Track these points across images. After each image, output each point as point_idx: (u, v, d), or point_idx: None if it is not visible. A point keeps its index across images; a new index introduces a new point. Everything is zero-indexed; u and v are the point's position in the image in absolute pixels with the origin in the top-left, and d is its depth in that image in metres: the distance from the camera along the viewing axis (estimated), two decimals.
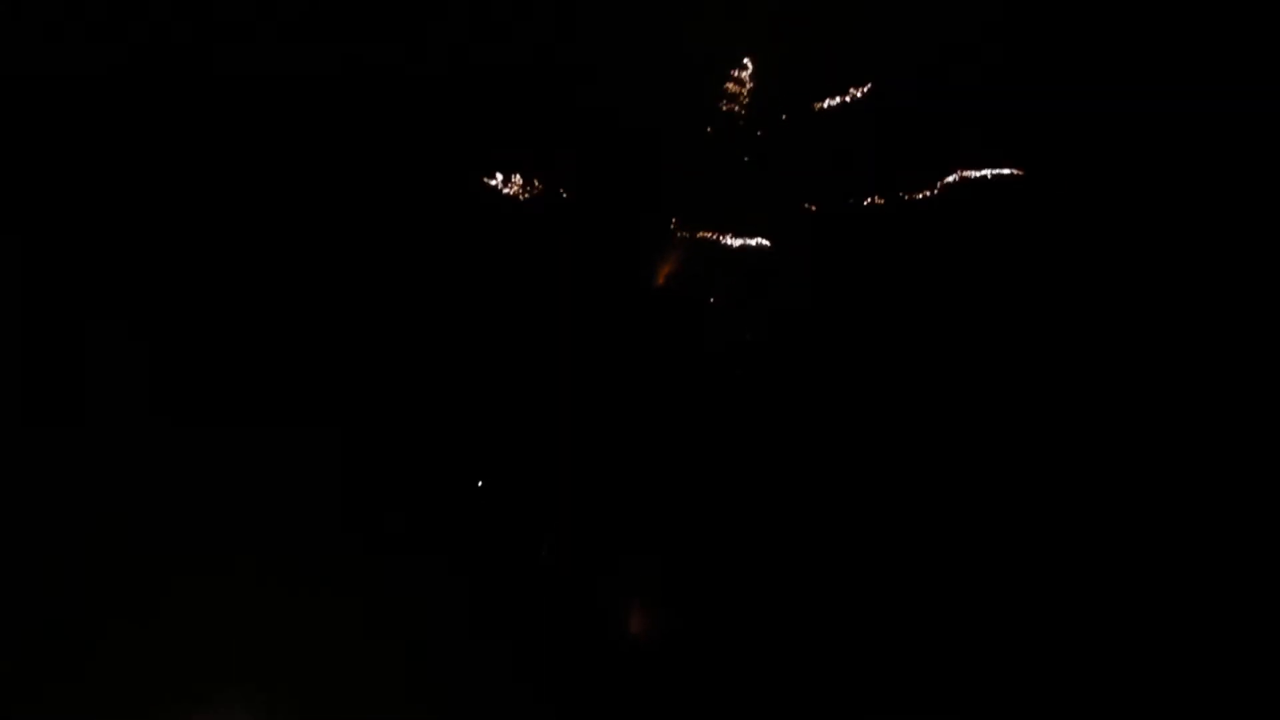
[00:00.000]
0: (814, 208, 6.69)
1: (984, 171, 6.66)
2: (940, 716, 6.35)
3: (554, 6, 6.66)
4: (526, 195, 6.75)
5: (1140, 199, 7.12)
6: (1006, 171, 6.65)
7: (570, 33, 6.68)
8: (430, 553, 6.63)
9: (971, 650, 6.46)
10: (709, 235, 6.76)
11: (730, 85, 6.59)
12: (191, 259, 6.75)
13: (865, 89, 6.57)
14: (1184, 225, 7.11)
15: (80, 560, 6.20)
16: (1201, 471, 6.91)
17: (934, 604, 6.66)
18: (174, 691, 6.01)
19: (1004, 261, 6.93)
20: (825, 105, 6.61)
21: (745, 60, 6.57)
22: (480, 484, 6.55)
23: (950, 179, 6.69)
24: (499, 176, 6.72)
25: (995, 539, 6.77)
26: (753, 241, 6.58)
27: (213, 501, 6.51)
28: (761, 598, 6.74)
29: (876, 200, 6.73)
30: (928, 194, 6.73)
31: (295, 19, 6.62)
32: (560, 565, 6.50)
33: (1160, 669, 6.36)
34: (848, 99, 6.61)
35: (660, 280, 6.70)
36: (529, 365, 6.92)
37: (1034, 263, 7.01)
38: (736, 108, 6.51)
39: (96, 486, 6.32)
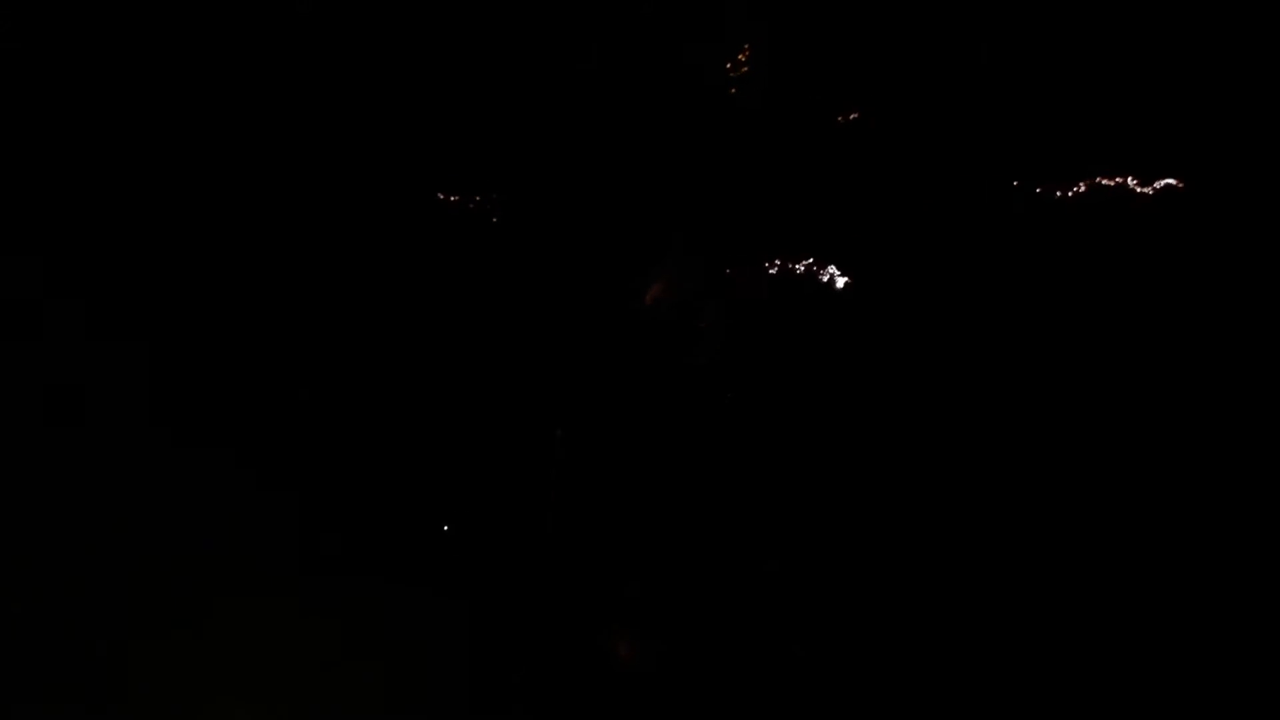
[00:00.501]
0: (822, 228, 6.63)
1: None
2: None
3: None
4: (499, 209, 6.69)
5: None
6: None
7: (559, 28, 6.64)
8: (420, 567, 6.64)
9: (971, 685, 6.42)
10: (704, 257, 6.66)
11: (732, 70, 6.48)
12: (171, 263, 6.74)
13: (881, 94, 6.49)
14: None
15: (72, 565, 6.24)
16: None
17: (939, 629, 6.57)
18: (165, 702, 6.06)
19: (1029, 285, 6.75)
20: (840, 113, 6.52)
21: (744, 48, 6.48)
22: (451, 515, 6.54)
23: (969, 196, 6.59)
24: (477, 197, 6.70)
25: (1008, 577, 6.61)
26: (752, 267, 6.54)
27: (195, 510, 6.52)
28: (757, 619, 6.69)
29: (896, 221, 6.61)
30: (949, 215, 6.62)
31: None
32: (550, 580, 6.51)
33: (1162, 670, 6.35)
34: (858, 113, 6.52)
35: (648, 300, 6.63)
36: (512, 379, 6.87)
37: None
38: (741, 93, 6.44)
39: (85, 492, 6.34)
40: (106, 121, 6.59)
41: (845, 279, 6.78)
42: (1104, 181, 6.77)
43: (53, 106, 6.53)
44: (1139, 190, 6.77)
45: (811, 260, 6.76)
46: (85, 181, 6.58)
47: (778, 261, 6.74)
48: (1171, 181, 6.71)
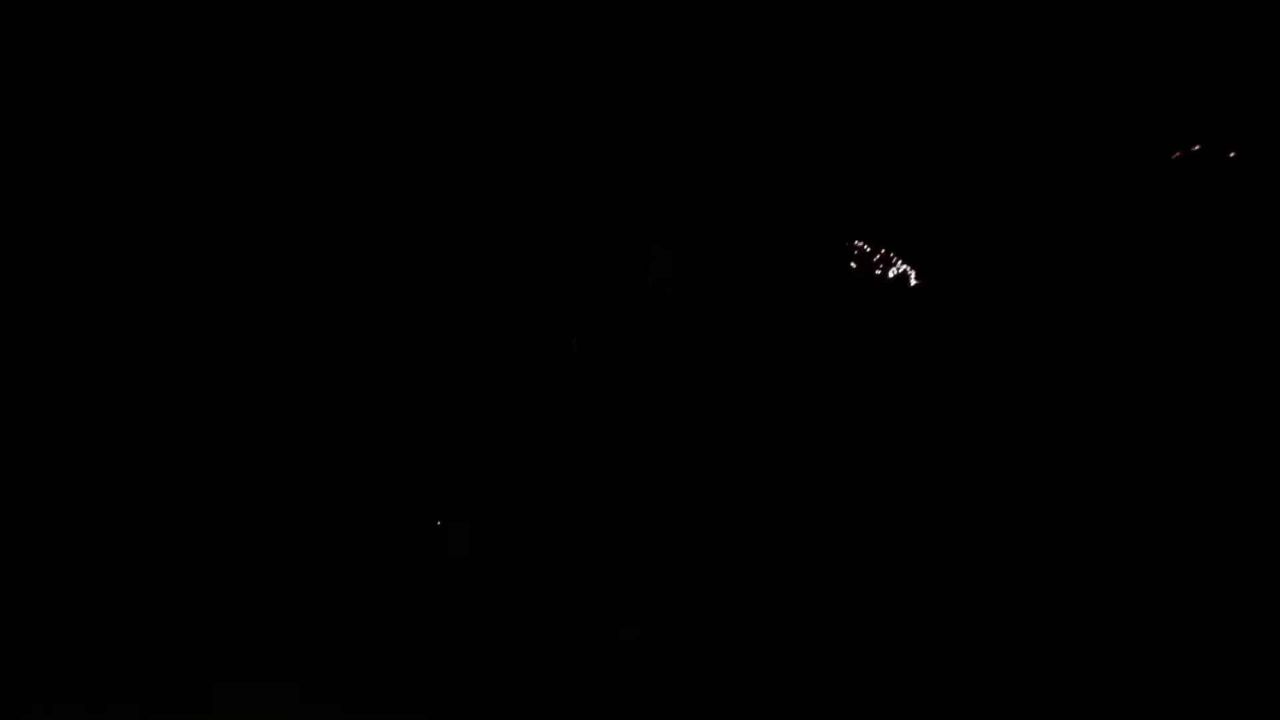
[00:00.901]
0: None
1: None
2: None
3: None
4: (497, 209, 6.66)
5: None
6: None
7: (559, 28, 6.63)
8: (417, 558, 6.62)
9: (973, 687, 6.37)
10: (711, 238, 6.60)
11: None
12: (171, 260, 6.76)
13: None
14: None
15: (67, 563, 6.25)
16: None
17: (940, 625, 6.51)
18: (165, 702, 6.07)
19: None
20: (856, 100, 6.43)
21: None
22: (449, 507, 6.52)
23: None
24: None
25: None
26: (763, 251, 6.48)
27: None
28: (757, 619, 6.64)
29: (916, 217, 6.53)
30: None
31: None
32: (550, 579, 6.49)
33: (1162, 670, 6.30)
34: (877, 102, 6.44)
35: (650, 281, 6.58)
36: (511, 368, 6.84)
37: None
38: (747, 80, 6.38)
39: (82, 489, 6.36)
40: (106, 121, 6.62)
41: (850, 276, 6.77)
42: (1114, 173, 6.73)
43: (53, 106, 6.56)
44: (1150, 185, 6.72)
45: (816, 258, 6.75)
46: (85, 181, 6.61)
47: (780, 259, 6.73)
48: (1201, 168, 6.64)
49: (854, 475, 6.72)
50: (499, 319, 6.88)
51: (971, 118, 6.65)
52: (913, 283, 6.71)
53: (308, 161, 6.78)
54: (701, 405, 6.80)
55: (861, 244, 6.67)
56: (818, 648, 6.51)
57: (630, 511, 6.73)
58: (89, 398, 6.49)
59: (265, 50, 6.69)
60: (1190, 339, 6.45)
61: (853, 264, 6.71)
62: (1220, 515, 6.35)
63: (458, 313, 6.90)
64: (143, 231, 6.68)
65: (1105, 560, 6.43)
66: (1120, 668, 6.37)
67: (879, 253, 6.70)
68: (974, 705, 6.33)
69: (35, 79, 6.53)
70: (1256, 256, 6.43)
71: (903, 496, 6.62)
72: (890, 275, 6.73)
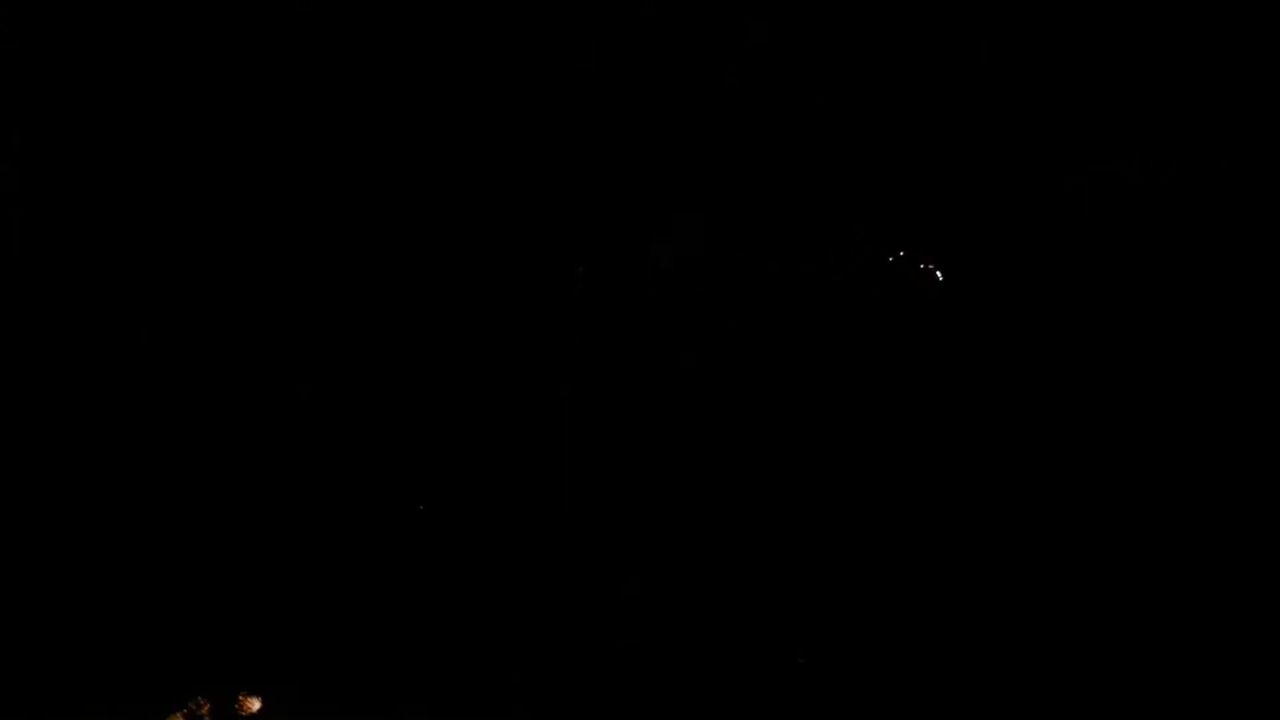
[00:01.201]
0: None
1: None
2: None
3: None
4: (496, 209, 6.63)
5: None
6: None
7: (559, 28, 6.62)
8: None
9: (975, 695, 6.34)
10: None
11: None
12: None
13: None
14: None
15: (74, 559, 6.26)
16: None
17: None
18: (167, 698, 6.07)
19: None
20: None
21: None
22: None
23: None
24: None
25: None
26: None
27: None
28: (759, 625, 6.60)
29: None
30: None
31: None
32: (550, 578, 6.47)
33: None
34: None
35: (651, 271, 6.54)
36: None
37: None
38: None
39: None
40: (106, 121, 6.61)
41: (847, 274, 6.76)
42: (1115, 173, 6.71)
43: (53, 106, 6.55)
44: (1145, 184, 6.70)
45: (816, 258, 6.74)
46: (85, 181, 6.61)
47: (780, 259, 6.73)
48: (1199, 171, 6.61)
49: (855, 476, 6.71)
50: (499, 316, 6.89)
51: (972, 118, 6.65)
52: (912, 281, 6.71)
53: (308, 160, 6.79)
54: (702, 404, 6.80)
55: (862, 244, 6.68)
56: (821, 656, 6.49)
57: (631, 513, 6.73)
58: (94, 398, 6.52)
59: (265, 50, 6.69)
60: (1189, 337, 6.46)
61: (853, 262, 6.70)
62: (1217, 509, 6.36)
63: (458, 311, 6.91)
64: (143, 231, 6.69)
65: (1108, 565, 6.43)
66: (1122, 674, 6.36)
67: (879, 252, 6.71)
68: (976, 712, 6.33)
69: (35, 79, 6.54)
70: (1255, 256, 6.43)
71: (905, 497, 6.61)
72: (890, 274, 6.73)
